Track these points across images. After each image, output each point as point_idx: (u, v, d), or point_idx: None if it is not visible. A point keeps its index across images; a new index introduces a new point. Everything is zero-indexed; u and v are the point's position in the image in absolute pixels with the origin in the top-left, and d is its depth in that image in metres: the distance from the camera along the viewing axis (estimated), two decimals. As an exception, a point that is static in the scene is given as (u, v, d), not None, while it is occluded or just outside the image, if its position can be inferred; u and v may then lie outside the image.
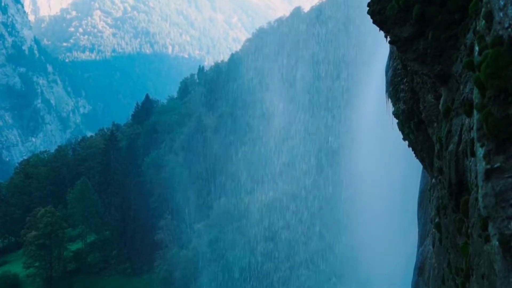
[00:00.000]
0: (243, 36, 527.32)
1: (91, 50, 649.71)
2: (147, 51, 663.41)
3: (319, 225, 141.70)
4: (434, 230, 14.02)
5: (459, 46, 10.57)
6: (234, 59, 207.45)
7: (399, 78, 15.27)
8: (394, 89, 15.74)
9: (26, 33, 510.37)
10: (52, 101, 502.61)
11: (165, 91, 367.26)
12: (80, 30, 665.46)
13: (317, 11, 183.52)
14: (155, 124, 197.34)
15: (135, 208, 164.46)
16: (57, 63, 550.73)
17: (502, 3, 7.39)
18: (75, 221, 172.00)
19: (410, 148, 16.24)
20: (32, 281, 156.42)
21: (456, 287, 11.45)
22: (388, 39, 12.75)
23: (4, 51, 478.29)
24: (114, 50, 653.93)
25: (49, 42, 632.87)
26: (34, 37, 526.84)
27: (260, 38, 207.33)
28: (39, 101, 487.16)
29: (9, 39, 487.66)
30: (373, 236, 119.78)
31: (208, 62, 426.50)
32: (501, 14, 7.40)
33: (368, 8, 12.77)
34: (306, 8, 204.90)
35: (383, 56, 18.94)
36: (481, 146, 7.91)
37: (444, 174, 11.59)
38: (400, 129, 16.17)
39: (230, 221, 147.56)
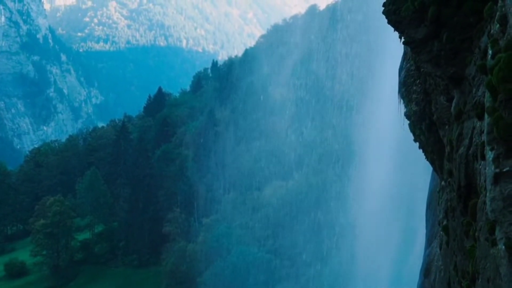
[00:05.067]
0: (258, 32, 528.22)
1: (105, 41, 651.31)
2: (161, 43, 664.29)
3: (327, 223, 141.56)
4: (441, 232, 14.02)
5: (474, 49, 10.56)
6: (248, 55, 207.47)
7: (412, 79, 15.26)
8: (406, 90, 15.74)
9: (41, 21, 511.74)
10: (65, 91, 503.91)
11: (178, 85, 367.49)
12: (95, 20, 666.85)
13: (333, 9, 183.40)
14: (167, 117, 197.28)
15: (143, 200, 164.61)
16: (71, 53, 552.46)
17: (517, 7, 7.39)
18: (83, 211, 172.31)
19: (421, 150, 16.23)
20: (39, 269, 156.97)
21: (461, 290, 11.45)
22: (402, 39, 12.75)
23: (18, 39, 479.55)
24: (128, 42, 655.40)
25: (64, 32, 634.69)
26: (49, 26, 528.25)
27: (274, 34, 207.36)
28: (52, 90, 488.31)
29: (24, 27, 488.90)
30: (380, 236, 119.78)
31: (222, 57, 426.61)
32: (515, 18, 7.40)
33: (383, 8, 12.78)
34: (322, 6, 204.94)
35: (397, 57, 18.93)
36: (491, 149, 7.92)
37: (453, 177, 11.60)
38: (411, 130, 16.17)
39: (238, 217, 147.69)
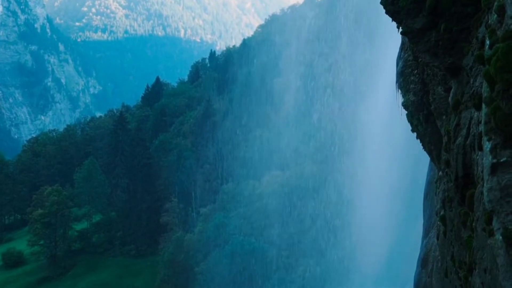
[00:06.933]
0: (256, 22, 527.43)
1: (103, 31, 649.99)
2: (159, 33, 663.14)
3: (324, 214, 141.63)
4: (439, 222, 14.02)
5: (471, 39, 10.54)
6: (246, 45, 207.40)
7: (410, 70, 15.24)
8: (404, 80, 15.72)
9: (39, 11, 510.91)
10: (63, 80, 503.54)
11: (175, 74, 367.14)
12: (93, 10, 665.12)
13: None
14: (165, 107, 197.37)
15: (141, 190, 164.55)
16: (69, 42, 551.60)
17: (515, -3, 7.37)
18: (81, 201, 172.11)
19: (418, 140, 16.22)
20: (37, 259, 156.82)
21: (459, 280, 11.46)
22: (400, 30, 12.72)
23: (16, 28, 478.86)
24: (126, 32, 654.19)
25: (62, 21, 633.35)
26: (47, 16, 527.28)
27: (272, 24, 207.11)
28: (50, 79, 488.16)
29: (22, 17, 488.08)
30: (378, 226, 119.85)
31: (220, 47, 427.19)
32: (513, 8, 7.38)
33: (381, -2, 12.74)
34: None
35: (395, 48, 18.88)
36: (488, 140, 7.91)
37: (451, 167, 11.59)
38: (409, 121, 16.15)
39: (236, 206, 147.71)
